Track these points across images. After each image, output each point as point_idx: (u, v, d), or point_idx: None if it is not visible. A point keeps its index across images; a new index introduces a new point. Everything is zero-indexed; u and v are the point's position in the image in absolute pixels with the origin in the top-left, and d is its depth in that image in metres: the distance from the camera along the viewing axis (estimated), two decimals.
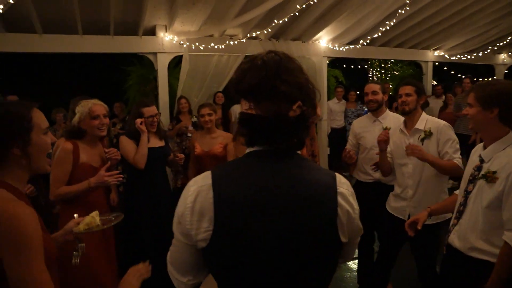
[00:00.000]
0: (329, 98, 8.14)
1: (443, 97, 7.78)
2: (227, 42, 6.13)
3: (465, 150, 6.54)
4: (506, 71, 10.56)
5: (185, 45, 5.96)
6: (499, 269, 1.85)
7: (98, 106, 2.72)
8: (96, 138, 2.78)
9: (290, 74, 1.09)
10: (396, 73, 11.71)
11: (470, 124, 2.13)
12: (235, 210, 1.06)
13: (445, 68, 11.25)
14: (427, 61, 8.88)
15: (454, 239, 2.11)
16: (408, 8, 5.84)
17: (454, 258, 2.10)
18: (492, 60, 9.95)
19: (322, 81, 7.52)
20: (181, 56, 6.16)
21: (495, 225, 1.93)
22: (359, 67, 15.00)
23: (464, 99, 2.33)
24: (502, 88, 1.97)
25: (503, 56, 10.09)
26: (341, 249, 1.17)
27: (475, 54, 8.76)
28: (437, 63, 9.50)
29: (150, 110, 3.30)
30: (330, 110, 8.02)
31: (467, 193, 2.08)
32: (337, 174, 1.18)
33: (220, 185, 1.08)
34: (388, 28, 6.62)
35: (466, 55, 8.77)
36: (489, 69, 10.72)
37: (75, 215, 1.98)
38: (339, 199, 1.11)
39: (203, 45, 5.98)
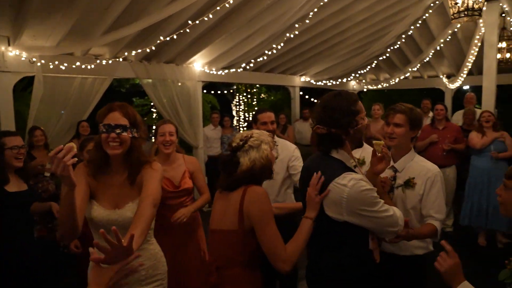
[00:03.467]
0: (204, 125, 7.76)
1: (309, 120, 8.17)
2: (97, 61, 5.24)
3: None
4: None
5: (38, 64, 4.85)
6: (417, 236, 2.25)
7: None
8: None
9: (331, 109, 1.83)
10: (263, 96, 12.04)
11: (393, 142, 2.40)
12: None
13: (301, 93, 12.03)
14: (294, 86, 9.28)
15: (386, 245, 2.29)
16: (297, 32, 5.89)
17: (390, 262, 2.28)
18: (345, 86, 10.98)
19: (196, 107, 7.10)
20: (32, 77, 5.01)
21: (418, 221, 2.36)
22: (219, 92, 15.03)
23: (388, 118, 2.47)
24: (420, 113, 2.48)
25: (353, 83, 11.24)
26: None
27: (339, 80, 9.52)
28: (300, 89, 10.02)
29: (13, 139, 2.79)
30: (206, 137, 7.64)
31: None
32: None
33: None
34: (274, 52, 6.66)
35: (331, 81, 9.46)
36: None
37: None
38: None
39: (65, 65, 4.95)
